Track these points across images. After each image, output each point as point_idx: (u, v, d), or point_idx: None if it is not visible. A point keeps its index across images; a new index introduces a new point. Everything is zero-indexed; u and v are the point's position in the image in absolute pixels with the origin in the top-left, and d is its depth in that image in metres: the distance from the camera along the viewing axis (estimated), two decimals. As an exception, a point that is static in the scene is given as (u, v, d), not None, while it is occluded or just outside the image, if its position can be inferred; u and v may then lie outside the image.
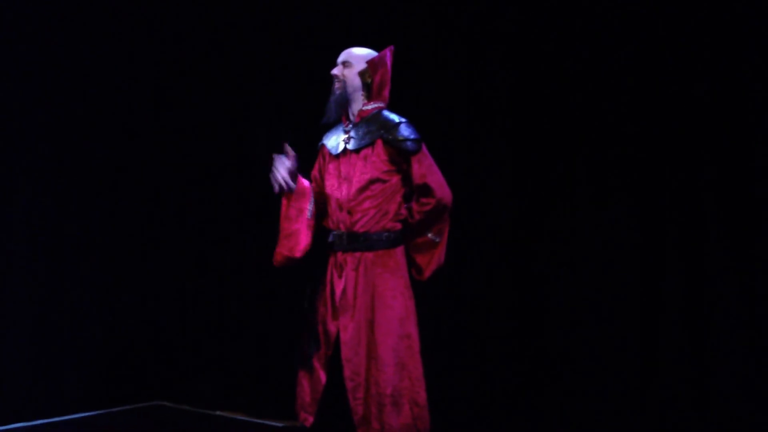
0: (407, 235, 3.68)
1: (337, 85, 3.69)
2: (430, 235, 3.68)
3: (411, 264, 3.70)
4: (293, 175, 3.67)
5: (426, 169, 3.60)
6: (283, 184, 3.63)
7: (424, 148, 3.63)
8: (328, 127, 3.81)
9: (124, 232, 5.93)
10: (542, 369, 4.55)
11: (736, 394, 4.02)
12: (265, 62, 5.76)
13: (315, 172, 3.82)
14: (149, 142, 6.09)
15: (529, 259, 4.62)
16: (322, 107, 3.73)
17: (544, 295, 4.57)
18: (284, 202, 3.72)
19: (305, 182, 3.74)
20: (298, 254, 3.68)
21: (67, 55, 5.61)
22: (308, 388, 3.63)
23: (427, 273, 3.72)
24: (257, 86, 5.77)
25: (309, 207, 3.71)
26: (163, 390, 5.97)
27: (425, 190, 3.60)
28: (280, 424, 5.36)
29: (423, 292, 3.75)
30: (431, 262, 3.71)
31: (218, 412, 5.70)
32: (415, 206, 3.64)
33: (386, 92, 3.73)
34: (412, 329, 3.56)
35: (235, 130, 5.89)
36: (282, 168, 3.63)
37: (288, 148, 3.65)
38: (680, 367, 4.17)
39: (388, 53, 3.71)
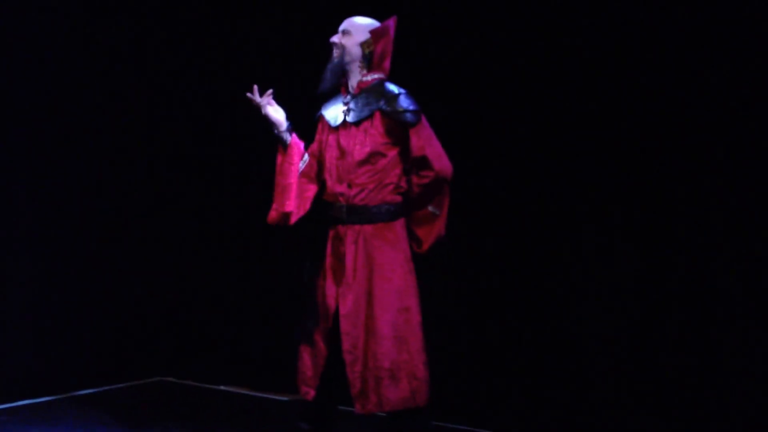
0: (407, 208, 3.63)
1: (335, 53, 3.64)
2: (430, 208, 3.62)
3: (411, 237, 3.64)
4: (287, 127, 3.66)
5: (424, 141, 3.54)
6: (262, 102, 3.64)
7: (423, 119, 3.56)
8: (326, 98, 3.75)
9: (126, 208, 5.89)
10: (545, 347, 4.53)
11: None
12: (258, 31, 5.68)
13: (314, 145, 3.77)
14: (147, 121, 6.04)
15: (535, 241, 4.58)
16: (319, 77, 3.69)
17: (548, 275, 4.53)
18: (279, 158, 3.69)
19: (298, 139, 3.71)
20: (287, 208, 3.64)
21: (65, 55, 5.54)
22: (309, 362, 3.62)
23: (426, 245, 3.66)
24: (253, 60, 5.69)
25: (299, 164, 3.67)
26: (166, 366, 5.96)
27: (423, 162, 3.53)
28: (285, 398, 5.34)
29: (427, 267, 3.71)
30: (431, 234, 3.65)
31: (222, 387, 5.69)
32: (414, 179, 3.58)
33: (387, 63, 3.66)
34: (412, 302, 3.53)
35: (230, 105, 5.81)
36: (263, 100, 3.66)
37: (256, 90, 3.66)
38: (681, 354, 4.17)
39: (391, 23, 3.64)
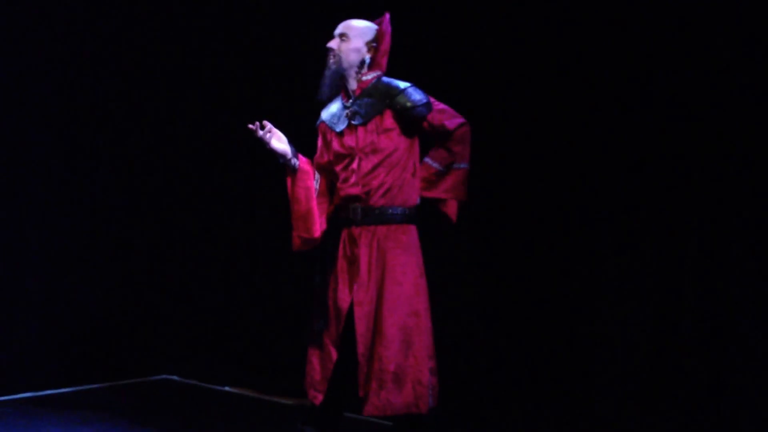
0: (446, 172, 3.60)
1: (332, 59, 3.58)
2: (463, 164, 3.60)
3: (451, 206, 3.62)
4: (293, 152, 3.61)
5: (449, 114, 3.55)
6: (264, 137, 3.55)
7: (432, 101, 3.55)
8: (324, 104, 3.72)
9: (131, 206, 5.89)
10: (557, 356, 4.49)
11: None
12: (255, 41, 5.68)
13: (318, 155, 3.73)
14: (147, 123, 6.03)
15: (548, 248, 4.54)
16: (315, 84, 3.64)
17: (561, 281, 4.48)
18: (289, 182, 3.65)
19: (305, 159, 3.67)
20: (316, 234, 3.63)
21: (69, 53, 5.55)
22: (318, 365, 3.58)
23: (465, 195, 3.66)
24: (252, 70, 5.69)
25: (314, 185, 3.65)
26: (171, 364, 5.95)
27: (458, 126, 3.54)
28: (289, 402, 5.32)
29: (440, 278, 3.68)
30: (466, 186, 3.65)
31: (226, 388, 5.67)
32: (451, 145, 3.55)
33: (385, 60, 3.64)
34: (422, 307, 3.50)
35: (225, 106, 5.83)
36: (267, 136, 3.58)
37: (260, 124, 3.57)
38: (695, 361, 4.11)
39: (387, 20, 3.63)
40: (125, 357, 5.76)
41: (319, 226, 3.63)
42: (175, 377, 5.92)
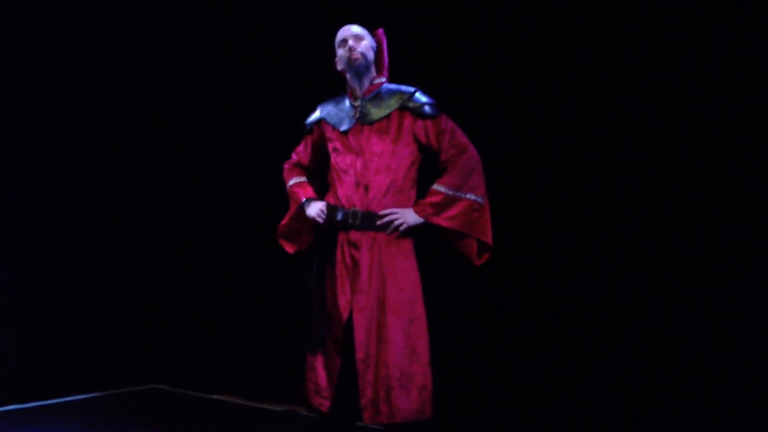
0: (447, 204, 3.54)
1: (356, 56, 3.57)
2: (469, 195, 3.53)
3: (469, 245, 3.56)
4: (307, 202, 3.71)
5: (452, 129, 3.56)
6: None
7: (443, 114, 3.58)
8: (318, 101, 3.75)
9: (120, 214, 5.86)
10: (544, 364, 4.48)
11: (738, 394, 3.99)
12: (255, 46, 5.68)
13: (304, 151, 3.78)
14: (140, 128, 6.01)
15: (539, 249, 4.54)
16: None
17: (553, 286, 4.48)
18: (294, 209, 3.74)
19: (309, 190, 3.76)
20: (290, 251, 3.83)
21: (67, 53, 5.52)
22: (323, 371, 3.54)
23: (490, 239, 3.57)
24: (253, 75, 5.68)
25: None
26: (159, 373, 5.92)
27: (457, 147, 3.52)
28: (278, 409, 5.30)
29: (433, 280, 3.68)
30: (486, 226, 3.56)
31: (215, 396, 5.65)
32: (450, 166, 3.53)
33: (386, 69, 3.69)
34: (421, 312, 3.50)
35: (223, 110, 5.82)
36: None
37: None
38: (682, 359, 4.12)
39: (382, 33, 3.70)
40: (112, 367, 5.73)
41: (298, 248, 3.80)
42: (163, 386, 5.89)
